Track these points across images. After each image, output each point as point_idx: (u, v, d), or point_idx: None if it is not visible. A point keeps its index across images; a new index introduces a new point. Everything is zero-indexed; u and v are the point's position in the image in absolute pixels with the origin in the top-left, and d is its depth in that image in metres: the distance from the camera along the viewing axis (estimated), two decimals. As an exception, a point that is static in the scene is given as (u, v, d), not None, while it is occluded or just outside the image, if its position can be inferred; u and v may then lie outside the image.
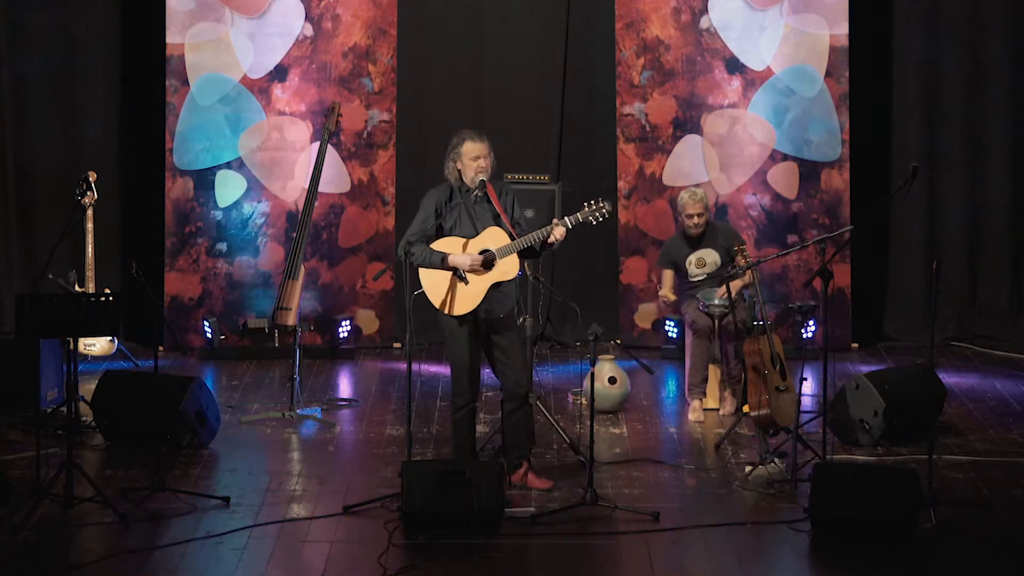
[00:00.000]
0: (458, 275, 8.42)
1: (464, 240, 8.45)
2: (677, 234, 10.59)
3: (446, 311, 8.45)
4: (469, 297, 8.45)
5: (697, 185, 11.64)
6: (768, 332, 9.41)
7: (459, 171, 8.56)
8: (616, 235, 12.14)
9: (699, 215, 10.33)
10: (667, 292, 10.42)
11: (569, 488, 8.61)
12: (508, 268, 8.44)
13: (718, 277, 10.12)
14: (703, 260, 10.29)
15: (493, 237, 8.47)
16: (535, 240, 8.40)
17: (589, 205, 8.46)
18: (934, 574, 7.63)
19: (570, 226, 8.41)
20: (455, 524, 7.91)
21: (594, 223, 8.52)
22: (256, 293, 12.06)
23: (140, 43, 12.17)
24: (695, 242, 10.38)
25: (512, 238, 8.43)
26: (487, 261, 8.41)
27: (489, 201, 8.52)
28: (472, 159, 8.51)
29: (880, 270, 12.50)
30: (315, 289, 12.07)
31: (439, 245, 8.44)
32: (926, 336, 8.73)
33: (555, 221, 8.45)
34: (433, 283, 8.45)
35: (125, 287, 11.77)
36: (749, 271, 9.66)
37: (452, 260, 8.39)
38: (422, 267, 8.41)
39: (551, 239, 8.39)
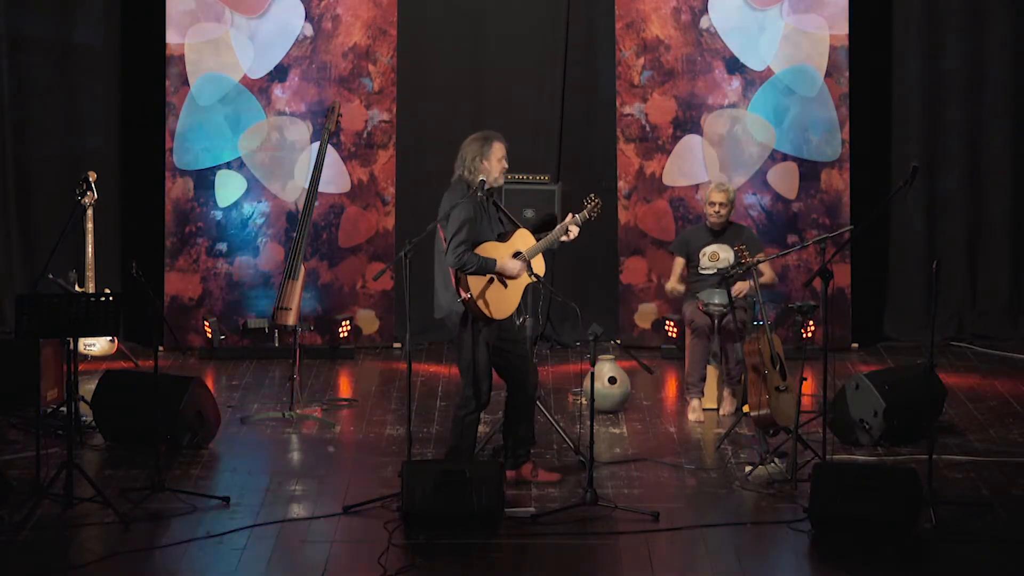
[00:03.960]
0: (501, 280, 8.48)
1: (499, 245, 8.51)
2: (700, 224, 10.58)
3: (491, 316, 8.45)
4: (509, 300, 8.52)
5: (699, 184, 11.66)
6: (768, 332, 9.41)
7: (478, 172, 8.52)
8: (616, 235, 12.14)
9: (721, 204, 10.31)
10: (675, 283, 10.38)
11: (569, 488, 8.61)
12: (537, 268, 8.58)
13: (723, 275, 10.06)
14: (717, 254, 10.28)
15: (523, 239, 8.60)
16: (554, 238, 8.65)
17: (587, 202, 8.75)
18: (934, 574, 7.63)
19: (580, 225, 8.70)
20: (455, 524, 7.91)
21: (593, 219, 8.80)
22: (256, 293, 12.06)
23: (140, 43, 12.17)
24: (717, 235, 10.37)
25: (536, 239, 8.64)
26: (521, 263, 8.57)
27: (495, 202, 8.59)
28: (498, 160, 8.56)
29: (880, 270, 12.50)
30: (315, 289, 12.07)
31: (482, 252, 8.46)
32: (926, 336, 8.74)
33: (569, 218, 8.68)
34: (478, 290, 8.46)
35: (125, 287, 11.77)
36: (752, 277, 9.65)
37: (501, 267, 8.44)
38: (474, 275, 8.41)
39: (567, 237, 8.70)
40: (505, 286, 8.48)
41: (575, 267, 12.33)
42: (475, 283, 8.41)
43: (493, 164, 8.53)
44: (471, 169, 8.51)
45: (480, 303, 8.41)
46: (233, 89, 12.00)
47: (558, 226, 8.71)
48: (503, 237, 8.55)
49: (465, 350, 8.51)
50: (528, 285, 8.63)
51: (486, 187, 8.48)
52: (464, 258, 8.35)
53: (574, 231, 8.67)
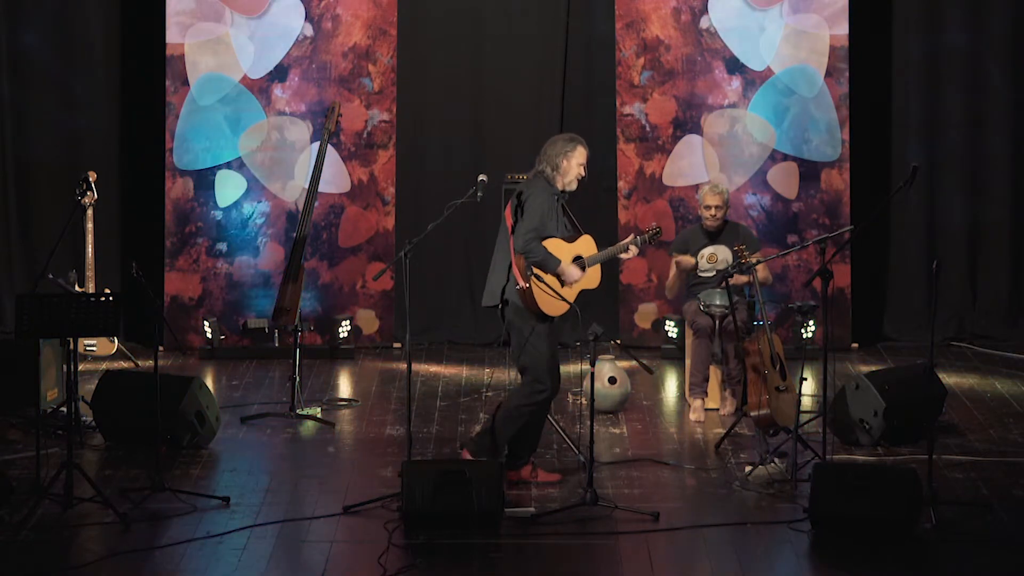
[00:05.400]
0: (560, 280, 8.52)
1: (564, 243, 8.56)
2: (696, 226, 10.58)
3: (541, 312, 8.48)
4: (562, 302, 8.53)
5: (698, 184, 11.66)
6: (768, 332, 9.41)
7: (559, 170, 8.57)
8: (616, 235, 12.13)
9: (717, 207, 10.32)
10: (683, 258, 10.34)
11: (569, 488, 8.61)
12: (593, 277, 8.64)
13: (722, 276, 10.06)
14: (715, 256, 10.27)
15: (586, 245, 8.66)
16: (613, 254, 8.75)
17: (650, 228, 8.91)
18: (934, 574, 7.63)
19: (639, 245, 8.81)
20: (455, 524, 7.91)
21: (651, 243, 9.01)
22: (256, 293, 12.06)
23: (140, 43, 12.18)
24: (713, 236, 10.37)
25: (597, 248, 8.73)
26: (580, 268, 8.59)
27: (564, 205, 8.64)
28: (578, 163, 8.64)
29: (880, 270, 12.50)
30: (315, 289, 12.07)
31: (547, 247, 8.50)
32: (926, 336, 8.73)
33: (631, 237, 8.83)
34: (539, 282, 8.47)
35: (125, 287, 11.78)
36: (753, 276, 9.65)
37: (562, 269, 8.50)
38: (536, 266, 8.44)
39: (627, 255, 8.81)
40: (562, 287, 8.52)
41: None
42: (537, 276, 8.45)
43: (572, 165, 8.62)
44: (553, 165, 8.60)
45: (536, 296, 8.44)
46: (233, 89, 12.00)
47: (620, 243, 8.83)
48: (568, 239, 8.61)
49: (532, 341, 8.51)
50: (580, 292, 8.64)
51: (559, 189, 8.59)
52: (531, 246, 8.42)
53: (634, 250, 8.78)
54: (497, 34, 12.32)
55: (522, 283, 8.46)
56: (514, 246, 8.48)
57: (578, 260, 8.60)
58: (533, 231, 8.44)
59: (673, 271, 10.42)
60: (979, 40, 12.31)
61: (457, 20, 12.31)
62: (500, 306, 8.59)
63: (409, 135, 12.27)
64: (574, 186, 8.66)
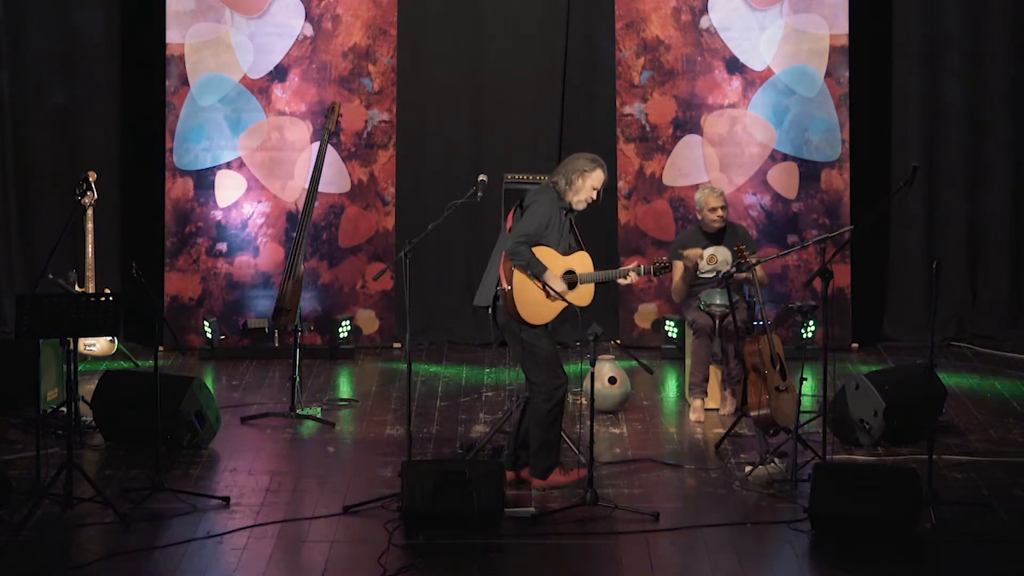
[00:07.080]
0: (546, 290, 8.48)
1: (558, 255, 8.51)
2: (694, 228, 10.55)
3: (522, 317, 8.45)
4: (545, 311, 8.50)
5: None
6: (768, 332, 9.41)
7: (573, 186, 8.55)
8: (616, 235, 12.14)
9: (722, 208, 10.31)
10: (690, 251, 10.32)
11: (569, 488, 8.61)
12: (584, 294, 8.57)
13: (723, 276, 10.05)
14: (715, 257, 10.26)
15: (581, 262, 8.59)
16: (610, 277, 8.69)
17: (658, 262, 8.83)
18: (934, 574, 7.63)
19: (641, 274, 8.71)
20: (455, 524, 7.92)
21: (656, 276, 9.02)
22: (256, 293, 12.06)
23: (140, 43, 12.17)
24: (712, 238, 10.36)
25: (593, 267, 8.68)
26: (571, 283, 8.54)
27: (572, 220, 8.61)
28: (592, 186, 8.60)
29: (880, 270, 12.50)
30: (315, 289, 12.07)
31: (538, 253, 8.47)
32: (926, 336, 8.74)
33: (634, 264, 8.77)
34: (523, 287, 8.45)
35: (125, 287, 11.78)
36: (753, 275, 9.65)
37: (548, 277, 8.44)
38: (521, 270, 8.41)
39: (625, 280, 8.72)
40: (550, 298, 8.49)
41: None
42: (521, 281, 8.42)
43: (587, 186, 8.57)
44: (568, 180, 8.57)
45: (517, 300, 8.41)
46: (233, 89, 12.00)
47: (621, 268, 8.79)
48: (564, 253, 8.57)
49: (531, 343, 8.48)
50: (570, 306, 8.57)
51: (568, 204, 8.57)
52: (519, 249, 8.37)
53: (633, 277, 8.70)
54: (497, 34, 12.32)
55: (505, 285, 8.44)
56: (506, 245, 8.46)
57: (569, 275, 8.57)
58: (525, 236, 8.41)
59: (678, 275, 10.40)
60: (980, 39, 12.30)
61: (457, 20, 12.30)
62: (491, 307, 8.58)
63: (409, 135, 12.26)
64: (582, 206, 8.61)
